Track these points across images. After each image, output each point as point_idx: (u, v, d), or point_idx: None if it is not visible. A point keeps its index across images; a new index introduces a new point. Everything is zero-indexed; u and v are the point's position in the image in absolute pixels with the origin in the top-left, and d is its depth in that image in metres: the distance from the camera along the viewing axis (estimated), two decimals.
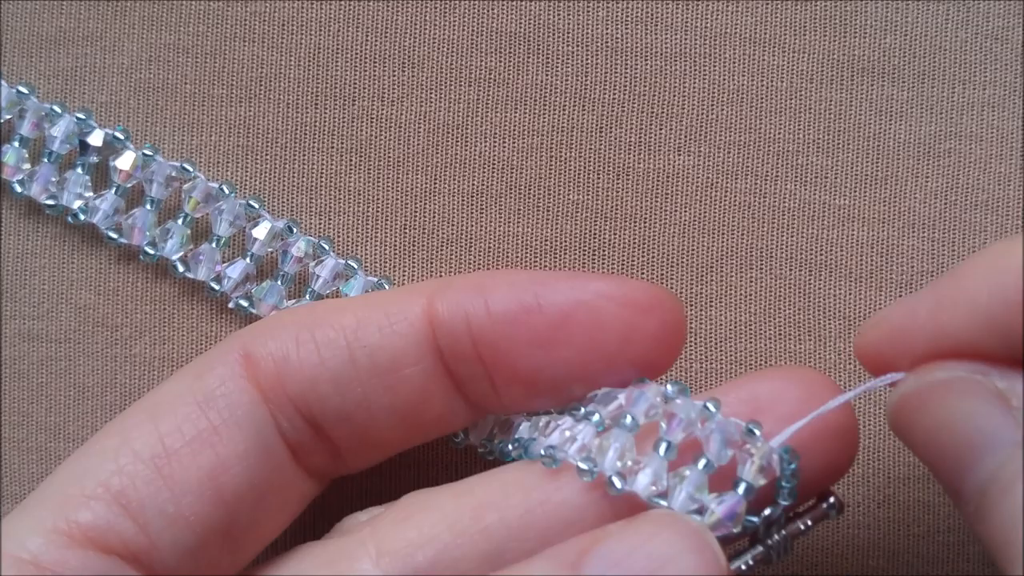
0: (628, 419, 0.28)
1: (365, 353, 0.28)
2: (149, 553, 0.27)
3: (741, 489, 0.27)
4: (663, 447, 0.27)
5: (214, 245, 0.34)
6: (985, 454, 0.25)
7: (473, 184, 0.34)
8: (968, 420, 0.25)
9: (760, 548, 0.28)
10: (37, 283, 0.34)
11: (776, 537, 0.28)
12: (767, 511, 0.27)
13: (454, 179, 0.34)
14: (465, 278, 0.29)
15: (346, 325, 0.29)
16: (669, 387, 0.28)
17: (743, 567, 0.28)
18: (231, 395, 0.28)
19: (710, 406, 0.28)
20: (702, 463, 0.27)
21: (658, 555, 0.25)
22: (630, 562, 0.25)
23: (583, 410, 0.29)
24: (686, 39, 0.34)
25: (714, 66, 0.34)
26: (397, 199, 0.34)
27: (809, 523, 0.28)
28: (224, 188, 0.34)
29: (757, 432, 0.27)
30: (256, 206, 0.33)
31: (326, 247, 0.34)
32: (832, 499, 0.29)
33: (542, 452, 0.28)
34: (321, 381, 0.28)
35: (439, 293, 0.29)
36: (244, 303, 0.34)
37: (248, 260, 0.34)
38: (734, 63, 0.34)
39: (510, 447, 0.30)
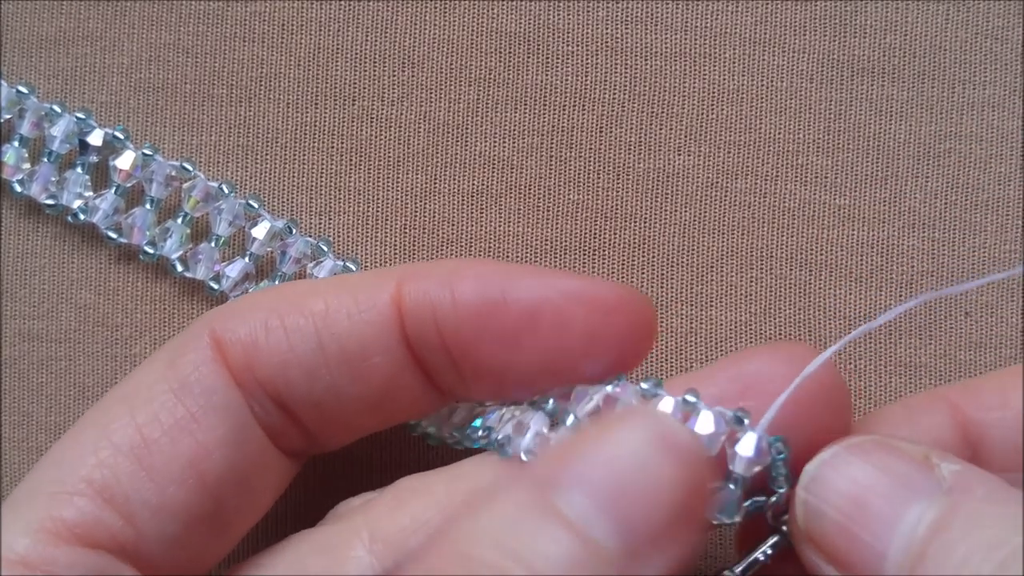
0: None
1: (334, 340, 0.28)
2: (136, 545, 0.27)
3: (733, 483, 0.27)
4: None
5: (213, 244, 0.34)
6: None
7: (473, 184, 0.34)
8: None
9: (775, 540, 0.28)
10: (37, 283, 0.34)
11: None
12: (773, 499, 0.27)
13: (454, 179, 0.34)
14: (434, 266, 0.29)
15: (315, 311, 0.28)
16: (644, 384, 0.28)
17: (761, 557, 0.28)
18: (205, 380, 0.28)
19: (689, 398, 0.27)
20: None
21: (627, 458, 0.24)
22: (601, 477, 0.24)
23: (551, 403, 0.29)
24: (686, 39, 0.34)
25: (714, 66, 0.34)
26: (397, 199, 0.34)
27: None
28: (224, 187, 0.34)
29: (746, 421, 0.27)
30: (255, 205, 0.34)
31: (324, 248, 0.34)
32: None
33: (522, 455, 0.28)
34: (290, 367, 0.28)
35: (408, 280, 0.28)
36: None
37: (247, 259, 0.34)
38: (734, 63, 0.34)
39: (479, 434, 0.29)
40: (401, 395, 0.29)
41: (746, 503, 0.27)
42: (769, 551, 0.28)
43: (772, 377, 0.27)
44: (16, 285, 0.34)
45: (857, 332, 0.28)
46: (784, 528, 0.28)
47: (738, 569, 0.28)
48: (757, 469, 0.27)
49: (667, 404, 0.27)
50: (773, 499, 0.27)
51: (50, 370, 0.34)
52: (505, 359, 0.28)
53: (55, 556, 0.26)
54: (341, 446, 0.30)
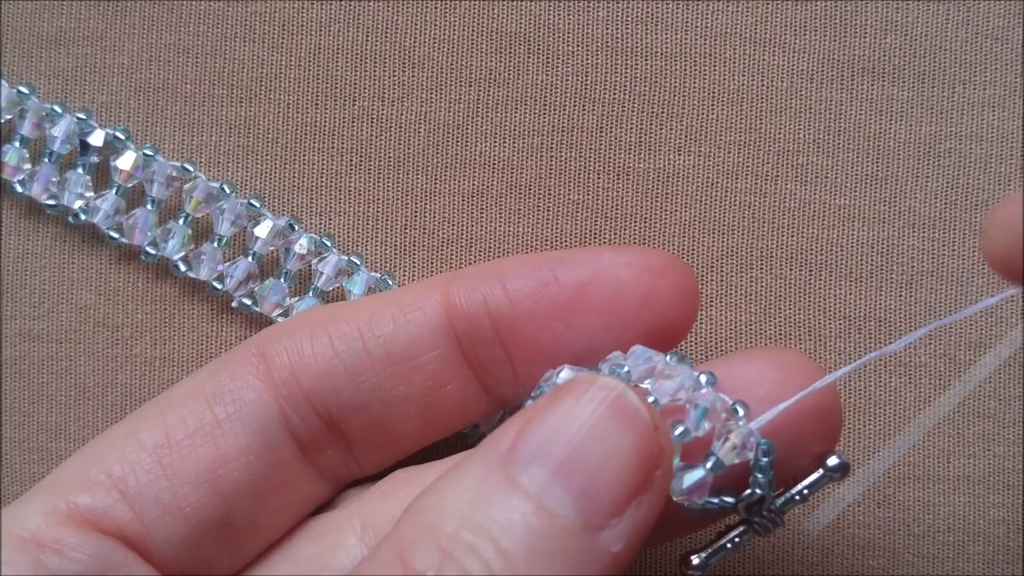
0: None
1: (379, 343, 0.29)
2: (144, 540, 0.27)
3: (709, 463, 0.27)
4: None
5: (216, 244, 0.34)
6: None
7: (473, 184, 0.34)
8: None
9: (743, 529, 0.28)
10: (37, 283, 0.34)
11: (764, 514, 0.28)
12: (746, 493, 0.28)
13: (454, 179, 0.34)
14: (478, 266, 0.30)
15: (360, 319, 0.29)
16: (669, 357, 0.28)
17: (729, 545, 0.28)
18: (239, 391, 0.28)
19: (702, 378, 0.28)
20: (679, 430, 0.27)
21: (579, 428, 0.25)
22: (555, 442, 0.25)
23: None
24: (686, 39, 0.34)
25: (714, 66, 0.34)
26: (397, 199, 0.34)
27: (805, 492, 0.28)
28: (225, 187, 0.34)
29: (740, 411, 0.27)
30: (257, 205, 0.34)
31: (328, 244, 0.34)
32: (835, 461, 0.28)
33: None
34: (336, 374, 0.29)
35: (453, 282, 0.29)
36: (247, 301, 0.34)
37: (250, 259, 0.34)
38: (734, 63, 0.34)
39: None
40: (447, 397, 0.29)
41: (715, 499, 0.28)
42: (737, 539, 0.28)
43: (763, 381, 0.28)
44: (16, 285, 0.34)
45: (871, 356, 0.28)
46: (755, 520, 0.28)
47: (704, 554, 0.28)
48: (737, 461, 0.27)
49: (684, 376, 0.28)
50: (746, 493, 0.28)
51: (50, 370, 0.34)
52: (559, 336, 0.29)
53: (64, 536, 0.27)
54: (382, 466, 0.30)
